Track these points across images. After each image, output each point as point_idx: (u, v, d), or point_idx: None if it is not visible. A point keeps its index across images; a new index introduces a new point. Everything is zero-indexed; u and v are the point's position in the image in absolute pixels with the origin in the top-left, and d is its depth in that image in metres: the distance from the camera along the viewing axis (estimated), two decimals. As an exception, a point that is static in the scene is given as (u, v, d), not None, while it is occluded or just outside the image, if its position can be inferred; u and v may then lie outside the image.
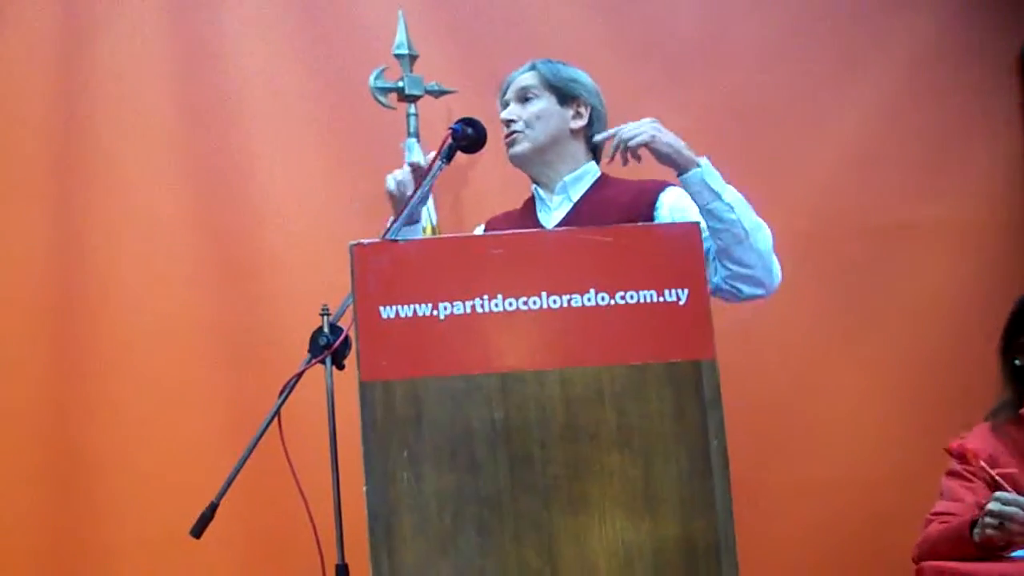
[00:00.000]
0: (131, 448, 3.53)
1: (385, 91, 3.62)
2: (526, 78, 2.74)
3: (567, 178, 2.71)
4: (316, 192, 3.74)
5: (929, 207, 3.70)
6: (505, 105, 2.76)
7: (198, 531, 2.26)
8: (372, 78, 3.62)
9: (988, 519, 2.23)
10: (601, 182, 2.73)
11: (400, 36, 3.65)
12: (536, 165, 2.73)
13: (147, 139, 3.73)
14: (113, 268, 3.66)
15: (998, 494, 2.23)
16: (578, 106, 2.73)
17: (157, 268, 3.67)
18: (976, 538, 2.26)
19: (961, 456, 2.50)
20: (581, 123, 2.73)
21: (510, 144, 2.72)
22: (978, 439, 2.54)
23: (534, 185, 2.77)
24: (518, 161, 2.73)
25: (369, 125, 3.71)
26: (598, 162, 2.79)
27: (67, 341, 3.63)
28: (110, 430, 3.56)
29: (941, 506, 2.47)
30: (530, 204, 2.79)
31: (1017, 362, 2.57)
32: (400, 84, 3.62)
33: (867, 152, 3.73)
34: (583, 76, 2.78)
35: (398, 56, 3.64)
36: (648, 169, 2.51)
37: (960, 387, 3.38)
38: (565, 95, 2.72)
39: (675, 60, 3.81)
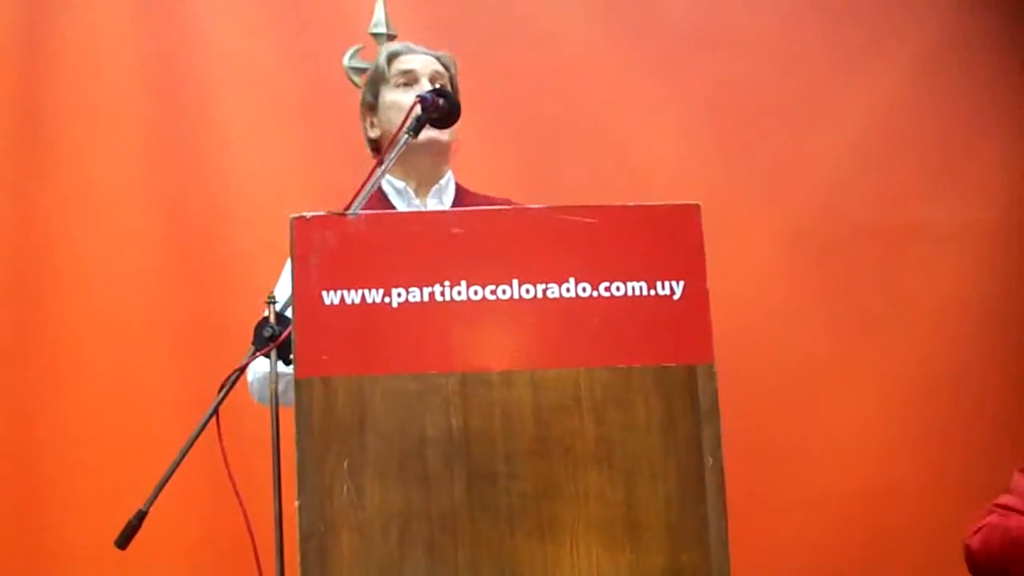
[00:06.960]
0: (72, 446, 3.34)
1: (359, 71, 3.45)
2: (440, 67, 2.57)
3: (442, 181, 2.53)
4: (285, 174, 3.56)
5: (937, 208, 3.62)
6: (409, 72, 2.53)
7: (123, 542, 2.04)
8: (347, 57, 3.50)
9: None
10: (460, 192, 2.56)
11: (378, 14, 3.50)
12: (442, 162, 2.54)
13: (110, 121, 3.56)
14: (68, 255, 3.49)
15: None
16: None
17: (115, 254, 3.51)
18: None
19: None
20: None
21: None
22: None
23: (402, 183, 2.51)
24: (440, 147, 2.48)
25: (342, 106, 3.52)
26: None
27: (15, 329, 3.44)
28: (53, 426, 3.36)
29: (1006, 499, 2.35)
30: (383, 204, 2.48)
31: None
32: (376, 64, 3.43)
33: (874, 150, 3.65)
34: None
35: (375, 35, 3.50)
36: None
37: (969, 394, 3.37)
38: None
39: (674, 47, 3.69)
